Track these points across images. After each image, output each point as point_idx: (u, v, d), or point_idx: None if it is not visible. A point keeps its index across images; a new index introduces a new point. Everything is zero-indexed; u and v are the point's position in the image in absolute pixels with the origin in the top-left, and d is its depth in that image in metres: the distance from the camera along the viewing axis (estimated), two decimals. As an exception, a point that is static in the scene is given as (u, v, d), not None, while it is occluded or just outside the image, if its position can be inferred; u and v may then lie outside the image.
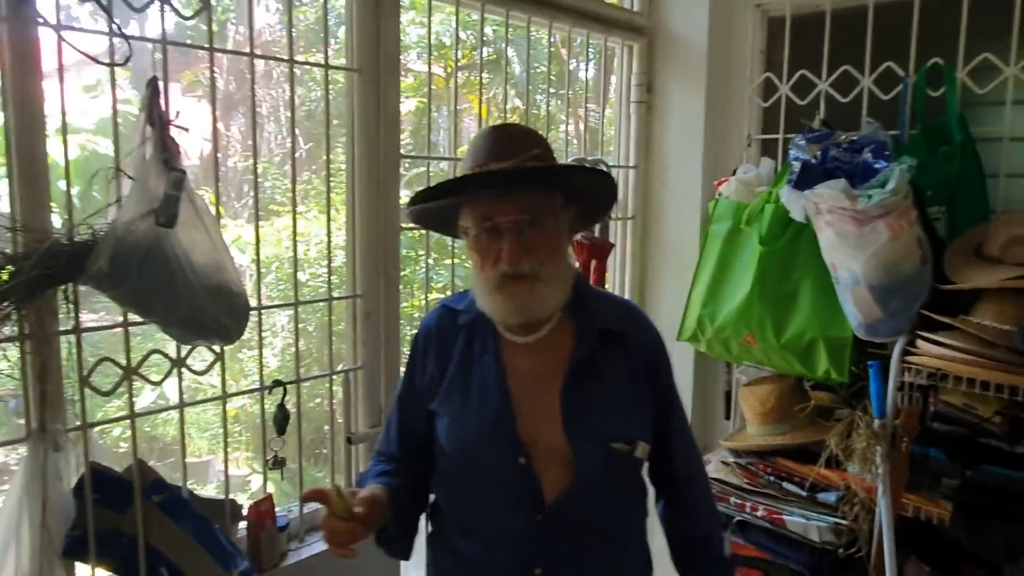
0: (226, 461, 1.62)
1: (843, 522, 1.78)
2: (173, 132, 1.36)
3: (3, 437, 1.30)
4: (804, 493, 1.87)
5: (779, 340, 1.97)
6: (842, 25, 2.12)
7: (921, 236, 1.74)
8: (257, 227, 1.63)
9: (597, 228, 2.26)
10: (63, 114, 1.30)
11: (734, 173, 2.23)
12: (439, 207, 1.18)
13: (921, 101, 1.97)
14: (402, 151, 1.79)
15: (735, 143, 2.38)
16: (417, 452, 1.30)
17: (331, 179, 1.74)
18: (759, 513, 1.90)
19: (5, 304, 1.16)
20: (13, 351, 1.26)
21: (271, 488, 1.67)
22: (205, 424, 4.92)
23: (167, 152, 1.33)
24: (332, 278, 1.76)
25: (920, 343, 1.70)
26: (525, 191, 1.13)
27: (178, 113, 1.37)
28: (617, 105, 2.57)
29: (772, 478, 1.94)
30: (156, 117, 1.32)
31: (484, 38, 2.18)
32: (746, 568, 2.02)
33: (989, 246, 1.72)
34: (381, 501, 1.16)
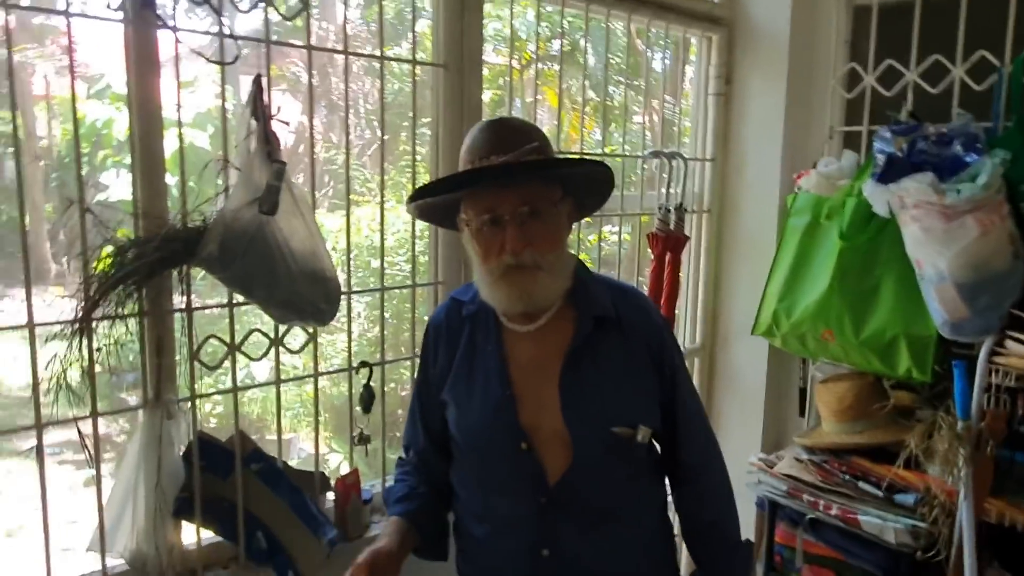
0: (317, 435, 1.72)
1: (921, 525, 1.75)
2: (274, 126, 1.45)
3: (104, 409, 1.40)
4: (881, 493, 1.84)
5: (858, 337, 1.94)
6: (932, 13, 2.06)
7: (1014, 232, 1.69)
8: (348, 216, 1.72)
9: (672, 221, 2.27)
10: (179, 109, 1.41)
11: (814, 166, 2.19)
12: (442, 201, 1.22)
13: (1017, 91, 1.89)
14: None
15: (816, 135, 2.35)
16: (441, 442, 1.38)
17: (413, 170, 1.82)
18: (832, 512, 1.89)
19: (129, 283, 1.28)
20: (134, 327, 1.38)
21: (355, 465, 1.77)
22: (286, 404, 5.16)
23: (269, 145, 1.43)
24: (414, 266, 1.84)
25: (1009, 343, 1.65)
26: (526, 183, 1.16)
27: (279, 108, 1.47)
28: (694, 97, 2.56)
29: (847, 477, 1.92)
30: (260, 112, 1.42)
31: (560, 29, 2.22)
32: (817, 567, 2.01)
33: (1088, 244, 1.65)
34: (396, 555, 1.23)
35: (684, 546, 1.42)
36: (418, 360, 1.54)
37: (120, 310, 1.31)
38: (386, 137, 1.74)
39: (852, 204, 2.01)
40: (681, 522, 1.41)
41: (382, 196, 1.76)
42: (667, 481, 1.40)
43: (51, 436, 1.33)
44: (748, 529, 1.83)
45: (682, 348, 2.49)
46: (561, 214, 1.22)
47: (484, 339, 1.30)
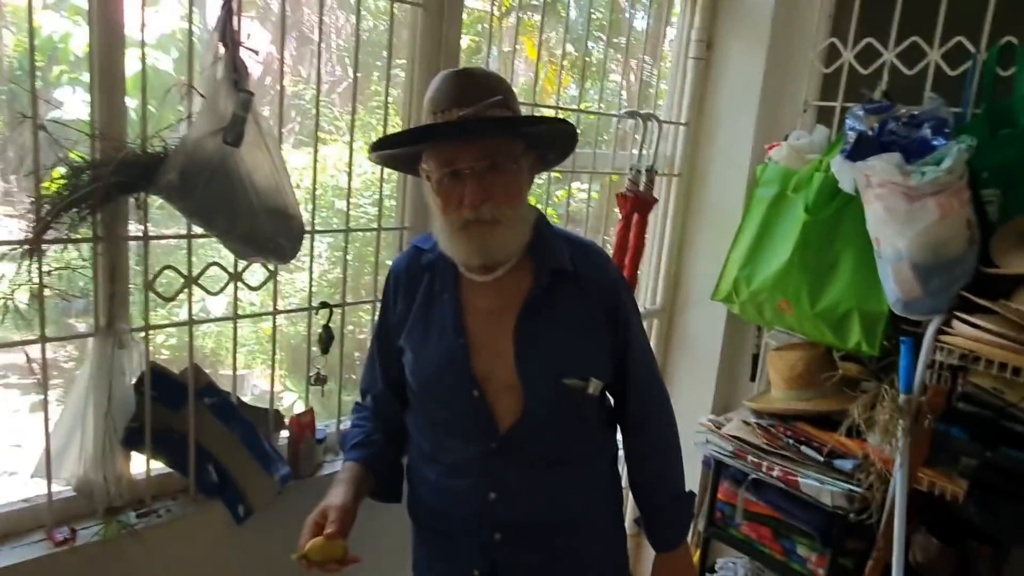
0: (272, 373, 1.71)
1: (857, 489, 1.83)
2: (242, 54, 1.40)
3: (52, 335, 1.36)
4: (821, 458, 1.91)
5: (814, 308, 1.99)
6: (916, -6, 2.07)
7: (971, 217, 1.73)
8: (316, 153, 1.67)
9: (643, 182, 2.27)
10: (142, 28, 1.34)
11: (786, 138, 2.21)
12: (403, 152, 1.22)
13: (989, 80, 1.93)
14: None
15: (791, 108, 2.35)
16: (398, 387, 1.41)
17: (386, 111, 1.77)
18: (775, 473, 1.96)
19: (83, 207, 1.23)
20: (86, 252, 1.33)
21: (311, 404, 1.76)
22: (242, 340, 5.10)
23: (237, 73, 1.37)
24: (381, 209, 1.81)
25: (956, 324, 1.70)
26: (487, 137, 1.16)
27: (248, 35, 1.41)
28: (674, 59, 2.54)
29: (791, 441, 1.99)
30: (229, 38, 1.36)
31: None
32: (756, 524, 2.09)
33: (1039, 233, 1.71)
34: (351, 508, 1.24)
35: (631, 495, 1.47)
36: (378, 304, 1.54)
37: (72, 234, 1.26)
38: (358, 75, 1.69)
39: (819, 179, 2.03)
40: (628, 471, 1.46)
41: (351, 136, 1.72)
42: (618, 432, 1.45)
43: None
44: (693, 485, 1.88)
45: (642, 310, 2.54)
46: (522, 169, 1.21)
47: (442, 287, 1.31)
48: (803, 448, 1.96)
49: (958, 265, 1.72)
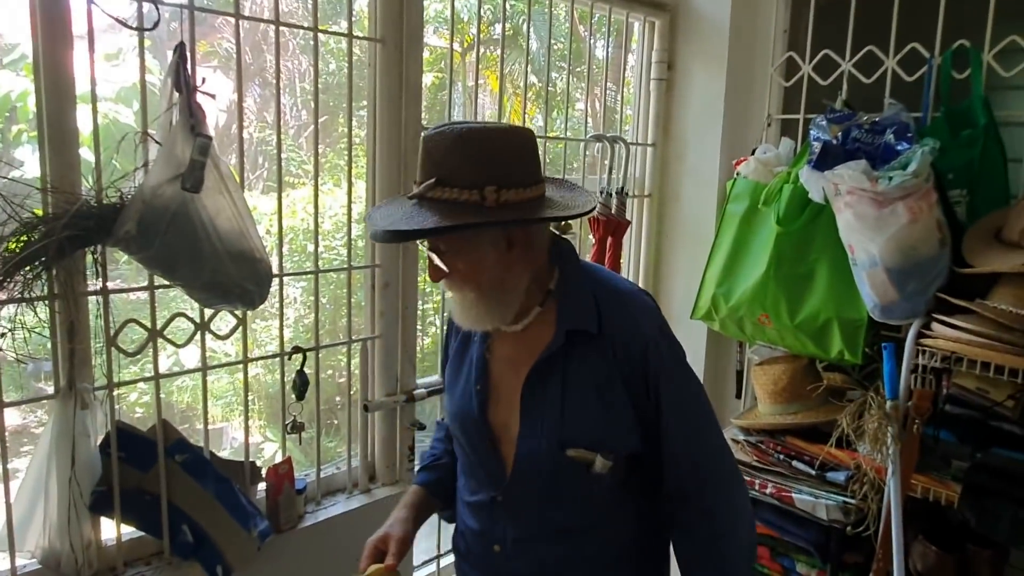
0: (246, 423, 1.65)
1: (851, 501, 1.80)
2: (199, 98, 1.37)
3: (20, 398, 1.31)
4: (813, 472, 1.89)
5: (793, 320, 1.98)
6: (867, 5, 2.10)
7: (940, 219, 1.74)
8: (280, 196, 1.64)
9: (614, 205, 2.26)
10: (92, 81, 1.31)
11: (753, 152, 2.22)
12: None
13: (945, 83, 1.95)
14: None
15: (755, 123, 2.38)
16: None
17: (350, 151, 1.75)
18: (768, 491, 1.93)
19: (36, 263, 1.19)
20: (43, 311, 1.28)
21: (289, 453, 1.70)
22: (219, 392, 4.98)
23: (193, 118, 1.34)
24: (350, 249, 1.78)
25: (935, 326, 1.70)
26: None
27: (204, 80, 1.38)
28: (636, 83, 2.56)
29: (782, 456, 1.96)
30: (183, 82, 1.33)
31: (503, 13, 2.17)
32: (753, 544, 2.05)
33: (1009, 231, 1.72)
34: (410, 539, 1.25)
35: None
36: (355, 346, 1.50)
37: (28, 292, 1.21)
38: (323, 118, 1.67)
39: (788, 190, 2.04)
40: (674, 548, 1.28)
41: (316, 177, 1.70)
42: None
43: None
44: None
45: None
46: (473, 248, 1.09)
47: (475, 332, 1.24)
48: (794, 463, 1.93)
49: (932, 267, 1.72)
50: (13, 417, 4.50)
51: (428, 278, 1.11)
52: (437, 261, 1.11)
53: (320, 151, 1.76)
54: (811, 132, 1.93)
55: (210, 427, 1.68)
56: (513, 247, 1.11)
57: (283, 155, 1.66)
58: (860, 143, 1.86)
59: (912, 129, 1.82)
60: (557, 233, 1.23)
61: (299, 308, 5.24)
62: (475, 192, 1.04)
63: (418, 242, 1.16)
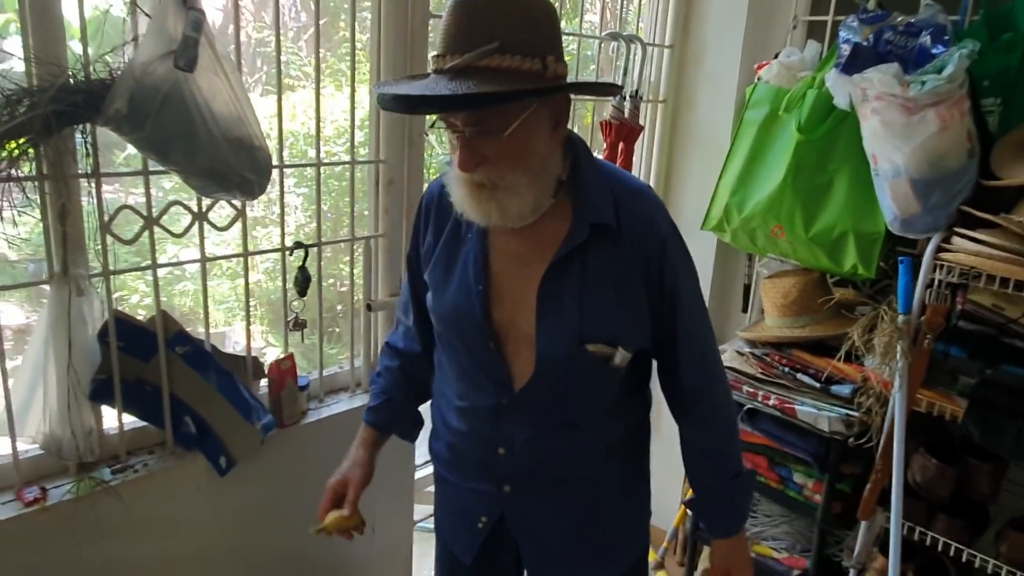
0: (248, 319, 1.62)
1: (854, 413, 1.79)
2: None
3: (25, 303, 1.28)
4: (818, 385, 1.88)
5: (808, 232, 1.93)
6: None
7: (971, 129, 1.66)
8: (280, 82, 1.56)
9: (627, 109, 2.17)
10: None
11: (776, 56, 2.11)
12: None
13: (988, -17, 1.83)
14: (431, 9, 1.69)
15: (780, 25, 2.25)
16: (427, 319, 1.27)
17: (351, 58, 1.67)
18: (771, 402, 1.92)
19: (23, 140, 1.12)
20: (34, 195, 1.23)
21: (291, 351, 1.68)
22: (221, 297, 4.97)
23: (185, -11, 1.25)
24: (353, 143, 1.70)
25: (956, 240, 1.65)
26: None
27: (196, -52, 1.28)
28: (656, -21, 2.41)
29: (787, 369, 1.94)
30: (174, -51, 1.23)
31: None
32: (751, 454, 2.07)
33: (1042, 142, 1.64)
34: (367, 481, 1.29)
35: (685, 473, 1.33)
36: (357, 245, 1.45)
37: (15, 172, 1.15)
38: (324, 21, 1.55)
39: (812, 96, 1.94)
40: (682, 447, 1.30)
41: (317, 81, 1.61)
42: (650, 395, 1.32)
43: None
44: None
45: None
46: (529, 126, 1.00)
47: (470, 225, 1.15)
48: (799, 375, 1.92)
49: (958, 179, 1.66)
50: (16, 316, 4.51)
51: (460, 167, 1.00)
52: (477, 135, 0.99)
53: (320, 55, 1.66)
54: (841, 33, 1.82)
55: (212, 331, 1.66)
56: (558, 126, 1.05)
57: (282, 57, 1.56)
58: (893, 46, 1.76)
59: (949, 32, 1.71)
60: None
61: (299, 216, 5.16)
62: (538, 60, 0.96)
63: (437, 128, 1.05)
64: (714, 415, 1.25)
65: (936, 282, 1.69)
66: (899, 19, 1.79)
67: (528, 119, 0.99)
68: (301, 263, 1.60)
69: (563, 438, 1.20)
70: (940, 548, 1.76)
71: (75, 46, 1.29)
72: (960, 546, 1.72)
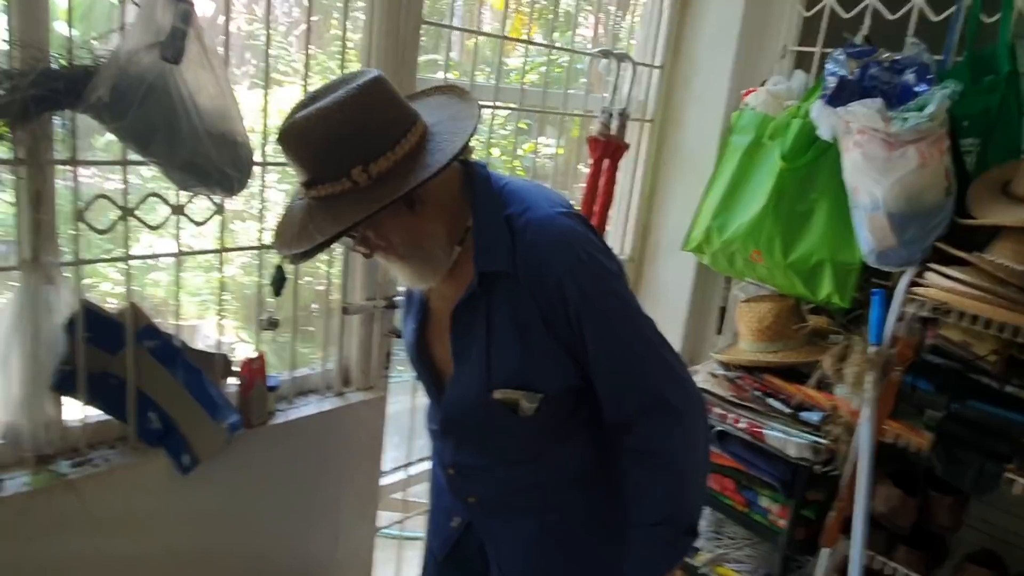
0: (221, 316, 1.60)
1: (822, 441, 1.81)
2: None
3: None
4: (788, 410, 1.89)
5: (786, 259, 1.95)
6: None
7: (950, 167, 1.69)
8: (267, 76, 1.54)
9: (614, 125, 2.18)
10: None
11: (764, 84, 2.14)
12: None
13: (973, 26, 1.86)
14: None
15: (769, 53, 2.27)
16: None
17: (341, 57, 1.68)
18: (740, 425, 1.94)
19: (0, 124, 1.10)
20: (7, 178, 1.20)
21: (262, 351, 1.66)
22: (194, 289, 4.90)
23: (176, -20, 1.23)
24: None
25: (929, 275, 1.67)
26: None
27: (189, -62, 1.26)
28: (649, 1, 2.43)
29: (758, 393, 1.96)
30: (166, -61, 1.22)
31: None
32: (719, 476, 2.08)
33: (1017, 185, 1.67)
34: None
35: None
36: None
37: (-11, 154, 1.13)
38: (318, 17, 1.55)
39: (797, 126, 1.97)
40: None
41: (306, 77, 1.59)
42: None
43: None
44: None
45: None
46: (384, 222, 1.03)
47: None
48: (770, 400, 1.94)
49: (934, 215, 1.69)
50: (-19, 298, 4.40)
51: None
52: (356, 247, 1.09)
53: (311, 52, 1.66)
54: (828, 66, 1.85)
55: (184, 323, 1.63)
56: (415, 205, 1.04)
57: (274, 52, 1.55)
58: (877, 81, 1.79)
59: (933, 71, 1.75)
60: (463, 161, 1.13)
61: (280, 212, 5.12)
62: (345, 181, 0.96)
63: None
64: (647, 450, 1.13)
65: (907, 315, 1.72)
66: (885, 55, 1.83)
67: (373, 222, 0.99)
68: (279, 262, 1.58)
69: (509, 470, 1.22)
70: (899, 578, 1.78)
71: (60, 27, 1.27)
72: (919, 577, 1.75)
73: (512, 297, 1.09)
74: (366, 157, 0.96)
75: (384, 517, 2.19)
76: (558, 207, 1.11)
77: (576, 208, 1.16)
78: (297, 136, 0.97)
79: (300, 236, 0.99)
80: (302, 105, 0.99)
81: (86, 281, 1.38)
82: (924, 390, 1.79)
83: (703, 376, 2.07)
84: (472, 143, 1.07)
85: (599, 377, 1.12)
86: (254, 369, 1.59)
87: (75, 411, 1.41)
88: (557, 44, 2.33)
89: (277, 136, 1.00)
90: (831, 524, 1.81)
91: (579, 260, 1.06)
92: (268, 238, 1.60)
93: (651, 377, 1.11)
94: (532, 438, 1.17)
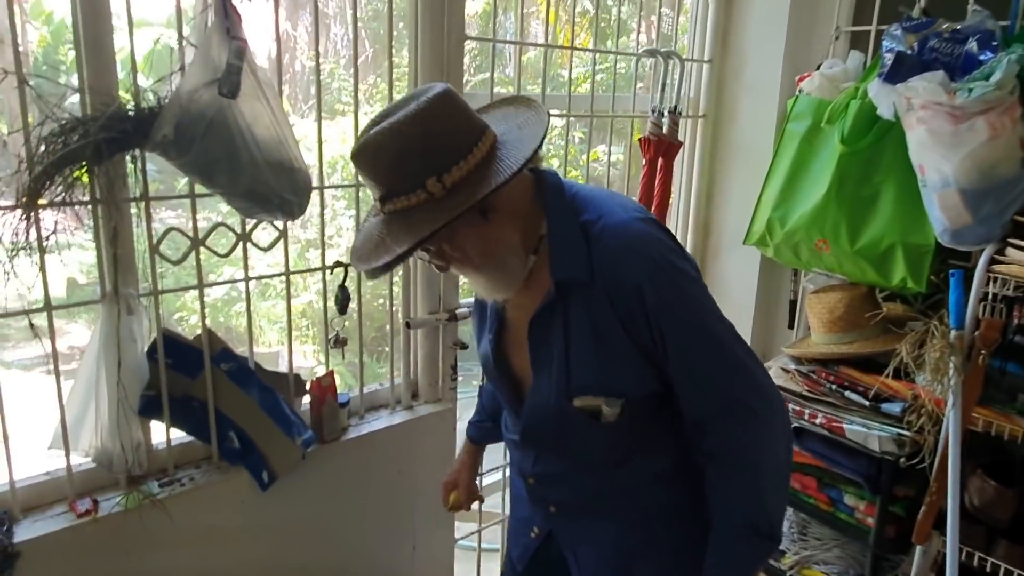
0: (289, 335, 1.66)
1: (906, 433, 1.73)
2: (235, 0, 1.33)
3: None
4: (867, 403, 1.82)
5: (853, 246, 1.88)
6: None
7: (1024, 136, 1.60)
8: (320, 115, 1.60)
9: (666, 125, 2.16)
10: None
11: (818, 68, 2.08)
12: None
13: (1040, -14, 1.77)
14: (467, 56, 1.72)
15: (822, 36, 2.21)
16: None
17: (394, 80, 1.72)
18: (818, 420, 1.87)
19: (76, 166, 1.19)
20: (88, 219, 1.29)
21: (333, 368, 1.72)
22: (275, 317, 5.11)
23: (228, 20, 1.30)
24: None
25: (1011, 251, 1.58)
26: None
27: (240, -20, 1.34)
28: (695, -4, 2.41)
29: (834, 386, 1.89)
30: (217, -18, 1.29)
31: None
32: (799, 474, 2.01)
33: (1101, 148, 1.57)
34: (467, 473, 1.51)
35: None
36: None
37: (69, 196, 1.22)
38: (375, 48, 1.62)
39: (856, 107, 1.91)
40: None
41: (356, 105, 1.65)
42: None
43: (36, 348, 1.28)
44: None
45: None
46: (459, 233, 1.03)
47: None
48: (847, 393, 1.86)
49: (1011, 188, 1.60)
50: (82, 337, 4.71)
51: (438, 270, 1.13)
52: (432, 260, 1.09)
53: (372, 82, 1.72)
54: (884, 42, 1.79)
55: (266, 350, 1.71)
56: (488, 214, 1.04)
57: (336, 84, 1.63)
58: (938, 53, 1.72)
59: (998, 37, 1.67)
60: (534, 169, 1.12)
61: (350, 237, 5.28)
62: (420, 192, 0.98)
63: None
64: (723, 453, 1.11)
65: (990, 295, 1.63)
66: (945, 26, 1.75)
67: (448, 232, 0.99)
68: (341, 282, 1.64)
69: (590, 475, 1.21)
70: (1001, 575, 1.67)
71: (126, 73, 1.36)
72: (1022, 573, 1.63)
73: (590, 304, 1.08)
74: (439, 168, 0.98)
75: (461, 528, 2.21)
76: (633, 212, 1.11)
77: (649, 213, 1.16)
78: (371, 153, 0.99)
79: (378, 250, 1.01)
80: (374, 123, 1.01)
81: (175, 315, 1.46)
82: (1015, 374, 1.69)
83: (775, 372, 2.01)
84: (543, 151, 1.09)
85: (679, 381, 1.11)
86: (324, 386, 1.64)
87: (161, 434, 1.50)
88: (608, 59, 2.33)
89: (351, 155, 1.02)
90: (922, 520, 1.72)
91: (657, 266, 1.06)
92: (331, 259, 1.66)
93: (729, 381, 1.10)
94: (614, 444, 1.17)
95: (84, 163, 1.19)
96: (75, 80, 1.27)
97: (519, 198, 1.09)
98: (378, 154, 0.98)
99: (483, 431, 1.51)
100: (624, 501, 1.22)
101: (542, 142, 1.02)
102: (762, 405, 1.10)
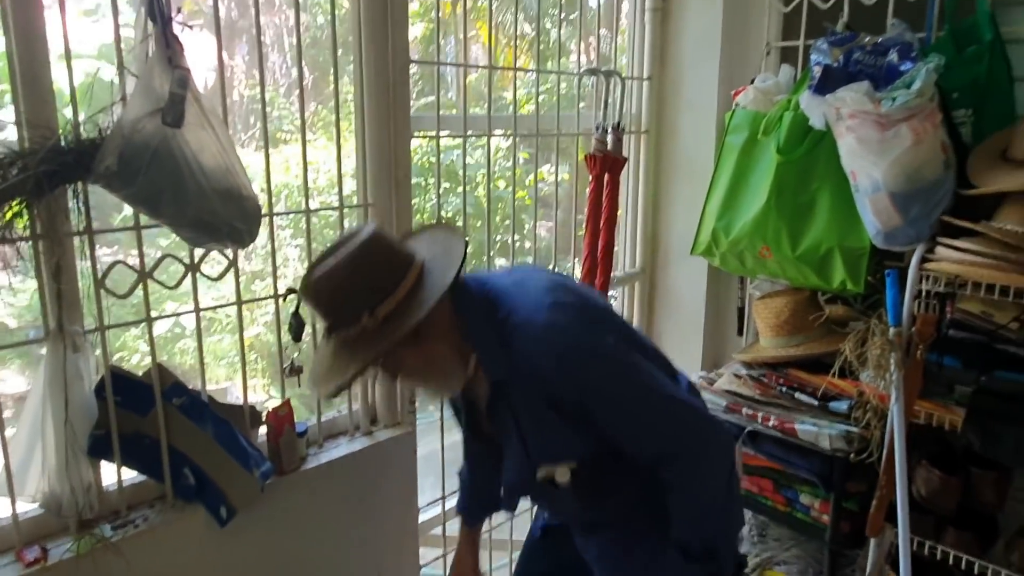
0: (243, 366, 1.63)
1: (854, 429, 1.79)
2: (175, 29, 1.32)
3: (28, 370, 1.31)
4: (816, 402, 1.88)
5: (795, 251, 1.95)
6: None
7: (945, 140, 1.69)
8: (267, 143, 1.59)
9: (610, 141, 2.21)
10: (62, 10, 1.26)
11: (752, 82, 2.16)
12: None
13: (950, 2, 1.88)
14: (411, 81, 1.73)
15: (753, 51, 2.30)
16: None
17: (340, 105, 1.73)
18: (771, 423, 1.92)
19: (17, 202, 1.15)
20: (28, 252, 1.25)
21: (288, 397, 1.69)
22: (222, 352, 4.99)
23: (170, 49, 1.29)
24: (342, 191, 1.74)
25: (939, 249, 1.67)
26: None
27: (179, 9, 1.33)
28: (631, 14, 2.48)
29: (784, 389, 1.95)
30: (157, 11, 1.28)
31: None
32: (756, 477, 2.05)
33: (1015, 149, 1.67)
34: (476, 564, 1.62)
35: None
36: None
37: (9, 233, 1.18)
38: (315, 75, 1.62)
39: (789, 118, 1.99)
40: None
41: (303, 132, 1.65)
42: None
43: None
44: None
45: (621, 273, 2.49)
46: (396, 356, 1.19)
47: None
48: (797, 394, 1.92)
49: (936, 190, 1.68)
50: (18, 383, 4.51)
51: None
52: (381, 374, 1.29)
53: (312, 109, 1.72)
54: (812, 56, 1.87)
55: (215, 386, 1.67)
56: (420, 335, 1.15)
57: (275, 112, 1.63)
58: (862, 65, 1.81)
59: (916, 48, 1.76)
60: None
61: (297, 267, 5.20)
62: (356, 327, 1.13)
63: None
64: (671, 484, 1.26)
65: (924, 292, 1.71)
66: (867, 39, 1.85)
67: (394, 353, 1.16)
68: (295, 309, 1.62)
69: (577, 516, 1.40)
70: (951, 562, 1.74)
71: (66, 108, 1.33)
72: (971, 558, 1.70)
73: (524, 393, 1.22)
74: (371, 304, 1.12)
75: (426, 555, 2.19)
76: (543, 298, 1.21)
77: (568, 278, 1.39)
78: (313, 295, 1.16)
79: (330, 373, 1.16)
80: (316, 264, 1.17)
81: (117, 355, 1.42)
82: (951, 366, 1.77)
83: (727, 378, 2.07)
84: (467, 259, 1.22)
85: (617, 438, 1.24)
86: (281, 416, 1.62)
87: (112, 474, 1.45)
88: (550, 79, 2.38)
89: (300, 290, 1.20)
90: (874, 513, 1.78)
91: (561, 357, 1.16)
92: (283, 287, 1.64)
93: (660, 430, 1.23)
94: (583, 497, 1.31)
95: (24, 198, 1.15)
96: (11, 114, 1.24)
97: (444, 315, 1.20)
98: (319, 296, 1.16)
99: (473, 511, 1.61)
100: (618, 522, 1.37)
101: (462, 265, 1.17)
102: (694, 441, 1.25)
